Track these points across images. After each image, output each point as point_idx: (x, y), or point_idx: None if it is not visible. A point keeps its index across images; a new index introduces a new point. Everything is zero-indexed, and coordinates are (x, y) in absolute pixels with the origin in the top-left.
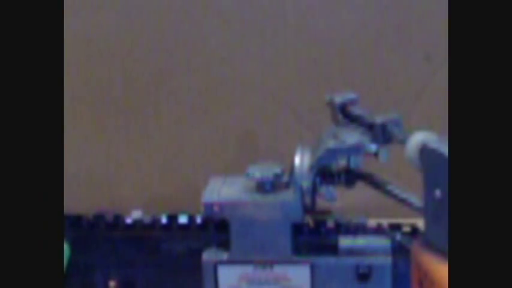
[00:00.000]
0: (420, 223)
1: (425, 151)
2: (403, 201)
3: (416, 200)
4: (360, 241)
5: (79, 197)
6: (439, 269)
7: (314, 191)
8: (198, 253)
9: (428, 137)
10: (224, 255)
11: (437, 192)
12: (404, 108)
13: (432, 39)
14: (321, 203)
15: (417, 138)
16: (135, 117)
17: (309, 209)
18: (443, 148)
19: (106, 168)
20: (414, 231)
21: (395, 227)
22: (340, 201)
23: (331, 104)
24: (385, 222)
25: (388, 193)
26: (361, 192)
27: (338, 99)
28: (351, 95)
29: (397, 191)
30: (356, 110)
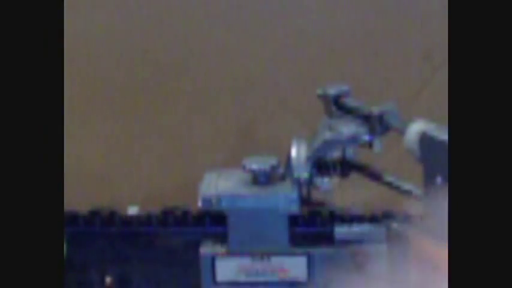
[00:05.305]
0: None
1: (425, 139)
2: (398, 188)
3: (414, 187)
4: (355, 230)
5: (77, 194)
6: (441, 253)
7: (310, 182)
8: (195, 246)
9: (427, 125)
10: (222, 248)
11: (438, 179)
12: (404, 108)
13: (432, 39)
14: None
15: (416, 127)
16: (134, 115)
17: (305, 200)
18: (443, 135)
19: (105, 166)
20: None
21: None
22: (341, 201)
23: (324, 96)
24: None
25: (385, 183)
26: (361, 193)
27: (332, 91)
28: (344, 87)
29: (392, 180)
30: (350, 102)
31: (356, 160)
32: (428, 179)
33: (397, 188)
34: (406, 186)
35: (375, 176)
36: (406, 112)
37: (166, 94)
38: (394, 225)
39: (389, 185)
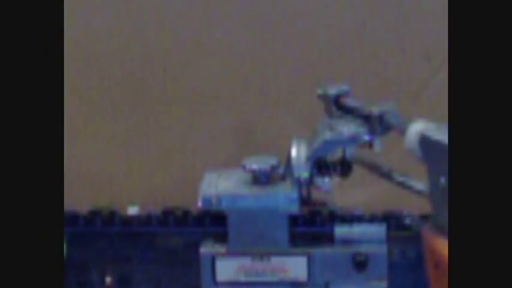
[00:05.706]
0: None
1: (425, 139)
2: (411, 188)
3: (422, 186)
4: (356, 230)
5: (77, 194)
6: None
7: (310, 182)
8: (195, 246)
9: (427, 125)
10: (222, 248)
11: (442, 180)
12: (404, 108)
13: (432, 39)
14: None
15: (416, 127)
16: (134, 115)
17: (305, 200)
18: (444, 135)
19: (105, 166)
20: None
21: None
22: (340, 201)
23: (324, 96)
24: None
25: (397, 183)
26: (361, 193)
27: (332, 91)
28: (344, 87)
29: (403, 179)
30: (350, 102)
31: (366, 159)
32: (432, 180)
33: (409, 188)
34: (418, 185)
35: (386, 176)
36: (406, 112)
37: (166, 94)
38: (407, 220)
39: (400, 184)
